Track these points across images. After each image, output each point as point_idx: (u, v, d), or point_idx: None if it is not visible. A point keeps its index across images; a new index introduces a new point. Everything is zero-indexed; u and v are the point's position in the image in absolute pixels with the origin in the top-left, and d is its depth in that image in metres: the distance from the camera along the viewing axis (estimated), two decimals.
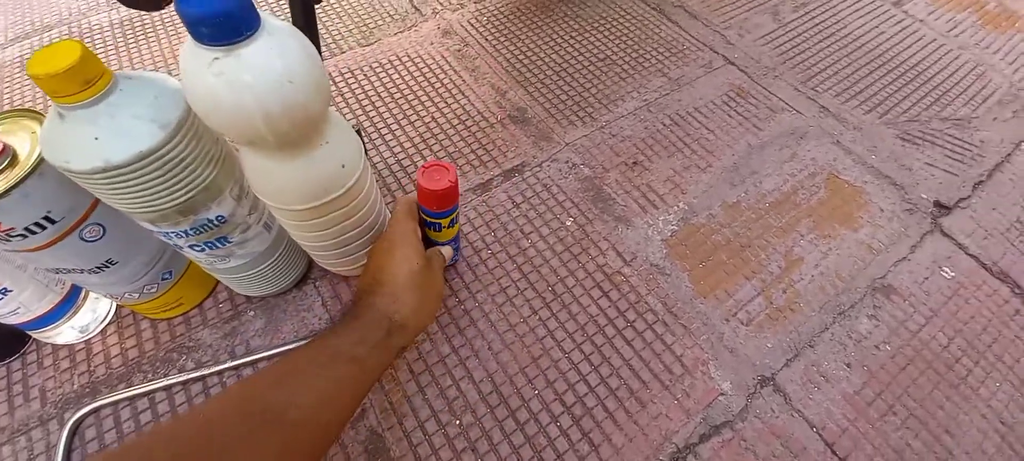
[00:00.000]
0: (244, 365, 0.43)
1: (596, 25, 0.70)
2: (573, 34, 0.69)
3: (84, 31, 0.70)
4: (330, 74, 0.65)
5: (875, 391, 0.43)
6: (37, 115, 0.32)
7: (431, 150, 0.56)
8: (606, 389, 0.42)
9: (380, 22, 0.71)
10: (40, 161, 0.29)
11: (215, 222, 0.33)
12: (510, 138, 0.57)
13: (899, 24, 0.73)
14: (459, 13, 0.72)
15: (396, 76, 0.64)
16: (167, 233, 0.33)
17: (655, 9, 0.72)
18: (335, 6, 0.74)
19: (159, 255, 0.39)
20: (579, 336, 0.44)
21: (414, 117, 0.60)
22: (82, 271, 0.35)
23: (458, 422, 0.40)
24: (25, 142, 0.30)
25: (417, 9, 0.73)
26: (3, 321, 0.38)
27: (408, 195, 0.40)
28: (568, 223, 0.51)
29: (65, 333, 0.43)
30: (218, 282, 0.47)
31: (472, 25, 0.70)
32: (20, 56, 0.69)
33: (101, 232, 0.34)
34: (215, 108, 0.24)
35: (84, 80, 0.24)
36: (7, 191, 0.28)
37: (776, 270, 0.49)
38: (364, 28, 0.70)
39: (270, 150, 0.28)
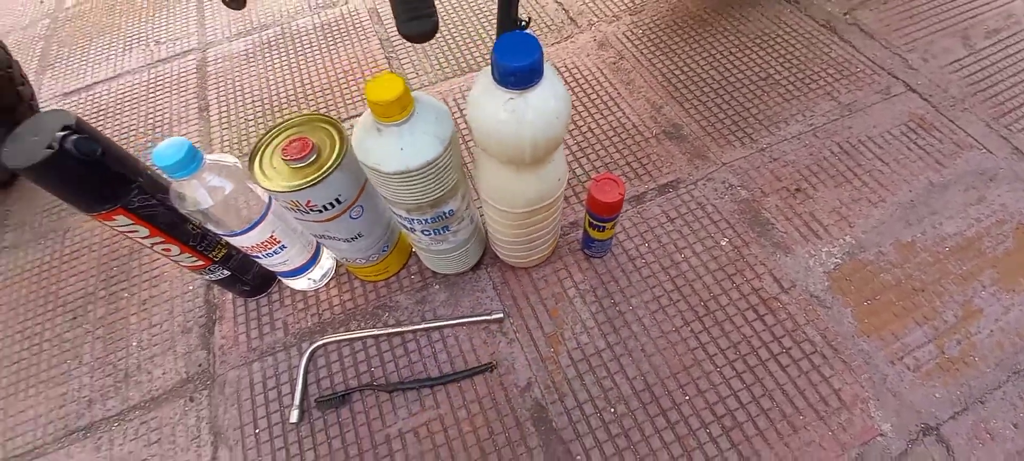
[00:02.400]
0: (433, 328, 0.52)
1: (758, 41, 0.69)
2: (733, 50, 0.69)
3: (294, 32, 0.85)
4: None
5: None
6: (330, 120, 0.41)
7: (589, 159, 0.61)
8: (757, 407, 0.44)
9: (537, 33, 0.77)
10: (341, 158, 0.38)
11: (447, 214, 0.41)
12: (665, 154, 0.60)
13: None
14: (615, 25, 0.75)
15: None
16: (412, 219, 0.41)
17: (825, 26, 0.69)
18: (494, 15, 0.81)
19: (386, 233, 0.49)
20: (731, 353, 0.47)
21: (572, 127, 0.65)
22: (339, 239, 0.45)
23: (613, 410, 0.45)
24: (325, 141, 0.40)
25: (573, 21, 0.77)
26: (273, 269, 0.50)
27: None
28: (723, 243, 0.53)
29: (302, 282, 0.54)
30: (409, 257, 0.56)
31: (627, 38, 0.73)
32: (244, 49, 0.84)
33: (362, 212, 0.43)
34: (498, 135, 0.30)
35: (402, 107, 0.32)
36: (321, 179, 0.37)
37: (951, 319, 0.47)
38: None
39: (518, 167, 0.34)
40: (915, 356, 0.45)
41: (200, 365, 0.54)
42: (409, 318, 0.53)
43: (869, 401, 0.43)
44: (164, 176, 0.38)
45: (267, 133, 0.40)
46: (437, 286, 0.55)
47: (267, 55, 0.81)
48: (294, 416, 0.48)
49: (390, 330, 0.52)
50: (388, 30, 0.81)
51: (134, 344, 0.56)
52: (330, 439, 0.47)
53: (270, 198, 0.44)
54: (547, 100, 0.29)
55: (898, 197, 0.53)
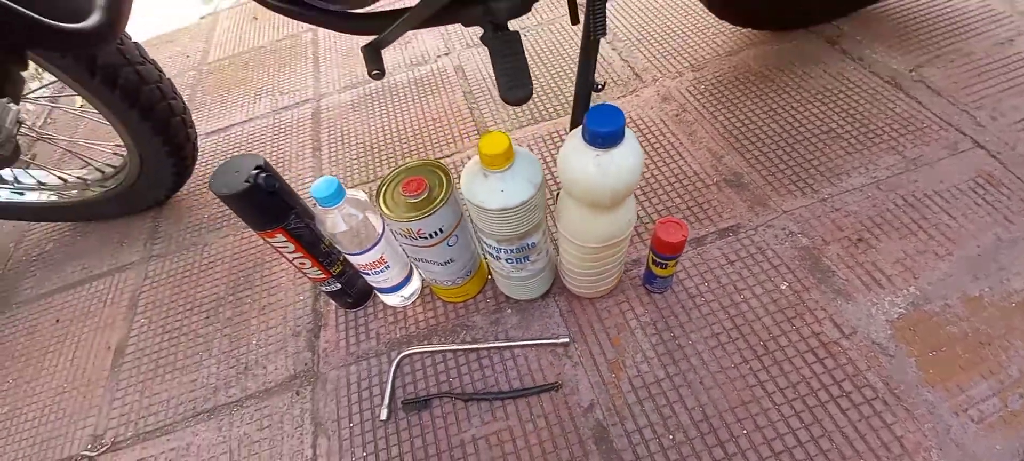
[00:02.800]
0: (505, 347, 0.58)
1: (820, 96, 0.72)
2: (794, 104, 0.72)
3: (392, 85, 0.98)
4: (558, 131, 0.80)
5: None
6: (440, 165, 0.50)
7: (652, 203, 0.66)
8: (816, 447, 0.46)
9: (606, 87, 0.85)
10: (447, 197, 0.47)
11: (529, 246, 0.48)
12: (725, 200, 0.64)
13: None
14: (677, 80, 0.81)
15: None
16: (499, 248, 0.48)
17: (889, 83, 0.71)
18: (568, 70, 0.90)
19: (470, 260, 0.56)
20: (790, 393, 0.49)
21: None
22: (434, 262, 0.53)
23: (671, 437, 0.49)
24: (435, 182, 0.49)
25: (638, 76, 0.84)
26: (375, 285, 0.59)
27: None
28: (782, 287, 0.55)
29: (395, 298, 0.63)
30: (485, 284, 0.64)
31: (690, 92, 0.79)
32: (350, 100, 0.99)
33: (457, 241, 0.51)
34: (586, 183, 0.37)
35: (506, 158, 0.40)
36: (431, 212, 0.46)
37: (1016, 373, 0.47)
38: None
39: (598, 209, 0.41)
40: (979, 408, 0.45)
41: (306, 364, 0.63)
42: (484, 337, 0.60)
43: (932, 450, 0.44)
44: (314, 205, 0.48)
45: (390, 174, 0.50)
46: (510, 310, 0.61)
47: (369, 105, 0.95)
48: (383, 414, 0.56)
49: (467, 346, 0.59)
50: (470, 84, 0.93)
51: (254, 342, 0.67)
52: (412, 438, 0.54)
53: (384, 226, 0.53)
54: (627, 156, 0.36)
55: (965, 251, 0.54)
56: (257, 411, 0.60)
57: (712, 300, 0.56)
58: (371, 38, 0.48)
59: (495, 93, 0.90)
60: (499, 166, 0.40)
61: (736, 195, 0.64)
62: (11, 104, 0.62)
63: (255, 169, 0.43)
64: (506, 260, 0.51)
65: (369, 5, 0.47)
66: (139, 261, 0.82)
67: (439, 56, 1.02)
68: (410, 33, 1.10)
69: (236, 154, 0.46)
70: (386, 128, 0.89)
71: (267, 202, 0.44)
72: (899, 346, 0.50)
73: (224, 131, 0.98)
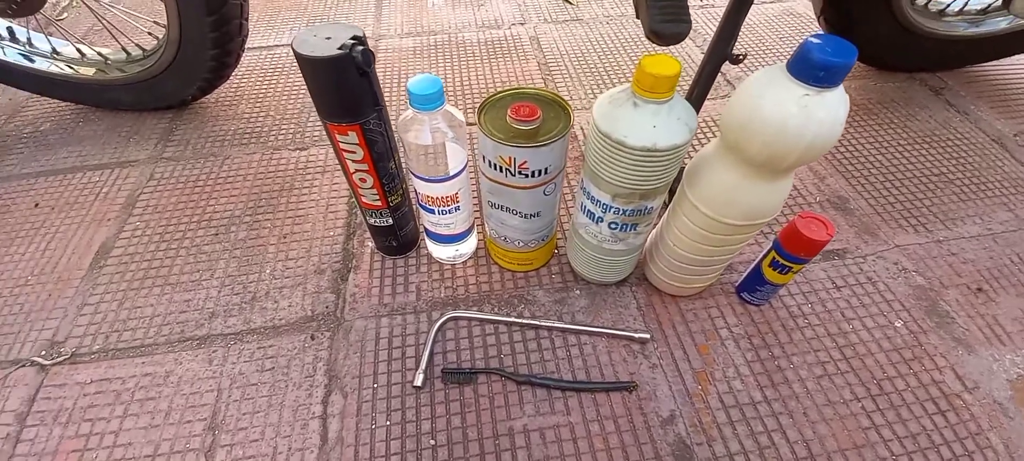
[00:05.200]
0: (570, 331, 0.50)
1: (927, 139, 0.68)
2: (901, 142, 0.68)
3: (459, 42, 0.91)
4: None
5: None
6: (561, 99, 0.42)
7: None
8: None
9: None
10: (565, 131, 0.39)
11: (644, 211, 0.41)
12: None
13: None
14: None
15: None
16: (608, 207, 0.41)
17: (996, 142, 0.67)
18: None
19: (551, 223, 0.49)
20: (909, 444, 0.42)
21: None
22: (517, 213, 0.45)
23: None
24: (550, 115, 0.41)
25: (730, 84, 0.79)
26: (435, 229, 0.51)
27: None
28: (897, 324, 0.49)
29: (445, 251, 0.55)
30: (551, 258, 0.56)
31: None
32: (412, 46, 0.91)
33: (553, 191, 0.44)
34: (775, 129, 0.30)
35: (670, 86, 0.33)
36: (546, 144, 0.38)
37: None
38: None
39: (764, 172, 0.34)
40: None
41: (327, 307, 0.54)
42: (545, 315, 0.51)
43: None
44: (397, 115, 0.40)
45: (494, 95, 0.42)
46: (578, 291, 0.53)
47: (432, 55, 0.88)
48: (419, 379, 0.46)
49: (527, 321, 0.50)
50: (547, 56, 0.86)
51: (267, 272, 0.57)
52: (450, 414, 0.45)
53: (466, 160, 0.45)
54: (839, 105, 0.29)
55: None
56: (260, 349, 0.51)
57: (817, 324, 0.49)
58: None
59: (574, 70, 0.83)
60: (661, 93, 0.33)
61: (842, 219, 0.59)
62: None
63: (352, 39, 0.35)
64: (609, 224, 0.43)
65: None
66: (146, 160, 0.71)
67: (514, 24, 0.96)
68: None
69: (324, 22, 0.37)
70: (449, 80, 0.82)
71: (354, 85, 0.36)
72: (1018, 409, 0.43)
73: (268, 49, 0.90)
